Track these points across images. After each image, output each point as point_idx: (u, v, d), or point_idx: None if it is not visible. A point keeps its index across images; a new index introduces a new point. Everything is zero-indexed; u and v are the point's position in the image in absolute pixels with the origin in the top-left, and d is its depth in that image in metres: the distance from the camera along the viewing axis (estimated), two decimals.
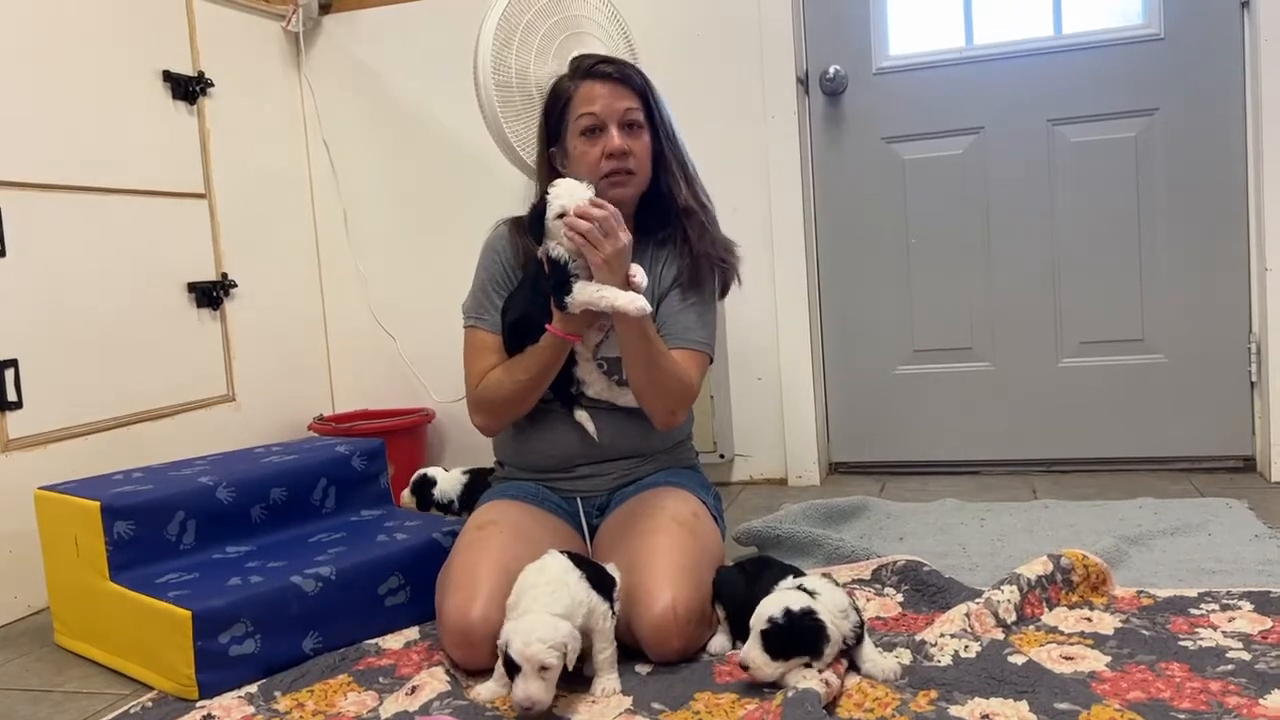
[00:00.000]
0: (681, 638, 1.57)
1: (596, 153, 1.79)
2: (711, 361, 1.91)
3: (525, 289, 1.82)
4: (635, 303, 1.65)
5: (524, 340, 1.79)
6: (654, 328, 1.76)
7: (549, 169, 1.88)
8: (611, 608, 1.53)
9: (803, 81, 2.84)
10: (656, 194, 1.88)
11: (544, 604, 1.44)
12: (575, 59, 1.89)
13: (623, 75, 1.82)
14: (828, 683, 1.40)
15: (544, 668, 1.38)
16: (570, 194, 1.69)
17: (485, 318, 1.87)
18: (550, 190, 1.71)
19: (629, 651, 1.58)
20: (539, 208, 1.72)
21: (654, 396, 1.79)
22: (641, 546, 1.65)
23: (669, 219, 1.88)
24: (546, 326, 1.74)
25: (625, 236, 1.67)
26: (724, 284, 1.95)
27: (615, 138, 1.79)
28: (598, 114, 1.79)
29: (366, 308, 3.09)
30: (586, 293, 1.68)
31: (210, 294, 2.69)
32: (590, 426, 1.84)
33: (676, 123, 1.91)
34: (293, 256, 3.08)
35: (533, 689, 1.37)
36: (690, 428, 2.01)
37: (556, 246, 1.70)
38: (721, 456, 2.86)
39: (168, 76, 2.60)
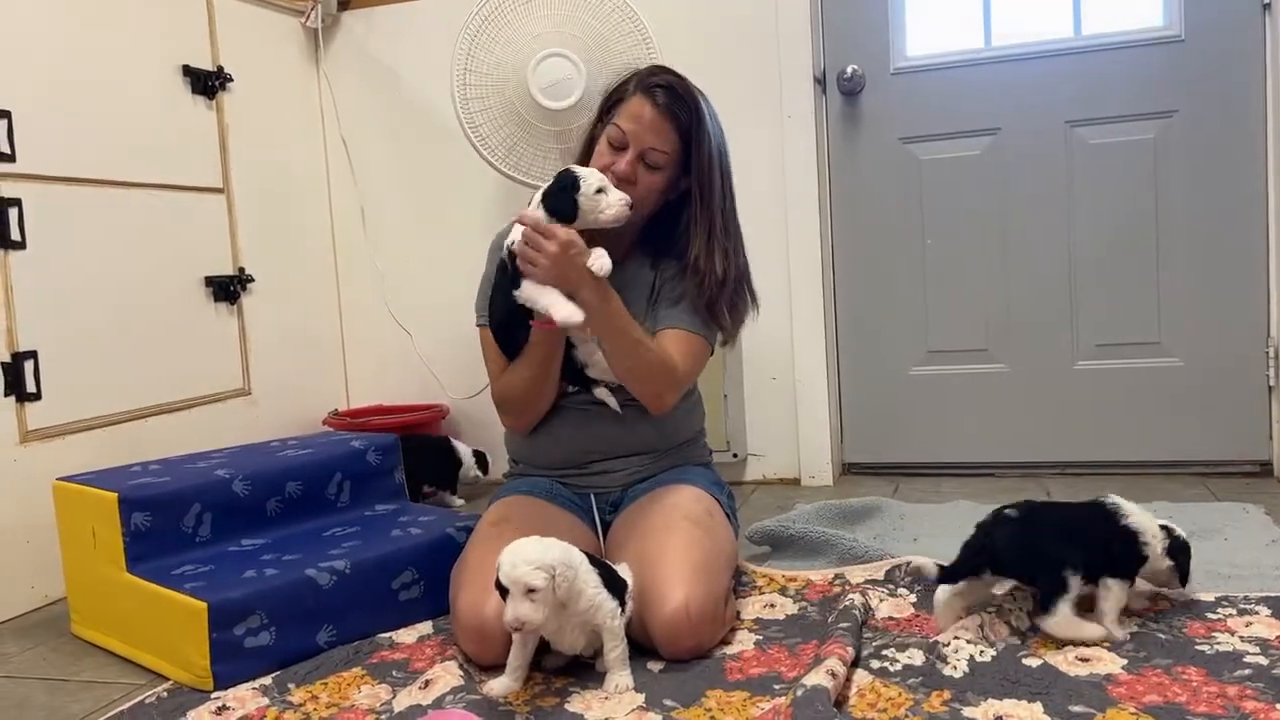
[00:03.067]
0: (694, 637, 1.57)
1: (605, 164, 1.78)
2: (712, 351, 1.88)
3: (499, 291, 1.77)
4: (566, 317, 1.61)
5: (514, 341, 1.77)
6: (627, 318, 1.73)
7: (590, 140, 1.87)
8: (622, 607, 1.53)
9: (820, 81, 2.83)
10: (673, 225, 1.85)
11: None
12: (649, 67, 1.86)
13: (670, 112, 1.77)
14: (833, 674, 1.39)
15: (531, 589, 1.39)
16: (601, 178, 1.67)
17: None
18: (580, 170, 1.68)
19: (642, 648, 1.59)
20: (567, 182, 1.66)
21: (635, 381, 1.78)
22: (654, 544, 1.65)
23: (676, 248, 1.85)
24: (531, 322, 1.72)
25: (551, 246, 1.62)
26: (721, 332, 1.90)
27: (624, 164, 1.76)
28: (625, 135, 1.77)
29: (383, 303, 3.10)
30: (528, 292, 1.65)
31: (227, 288, 2.71)
32: (612, 402, 1.82)
33: (727, 177, 1.83)
34: (310, 252, 3.10)
35: (521, 610, 1.39)
36: (702, 424, 2.01)
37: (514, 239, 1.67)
38: (735, 456, 2.86)
39: (187, 71, 2.62)
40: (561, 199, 1.66)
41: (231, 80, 2.73)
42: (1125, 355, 2.74)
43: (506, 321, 1.77)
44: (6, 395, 2.11)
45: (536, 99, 2.54)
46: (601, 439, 1.86)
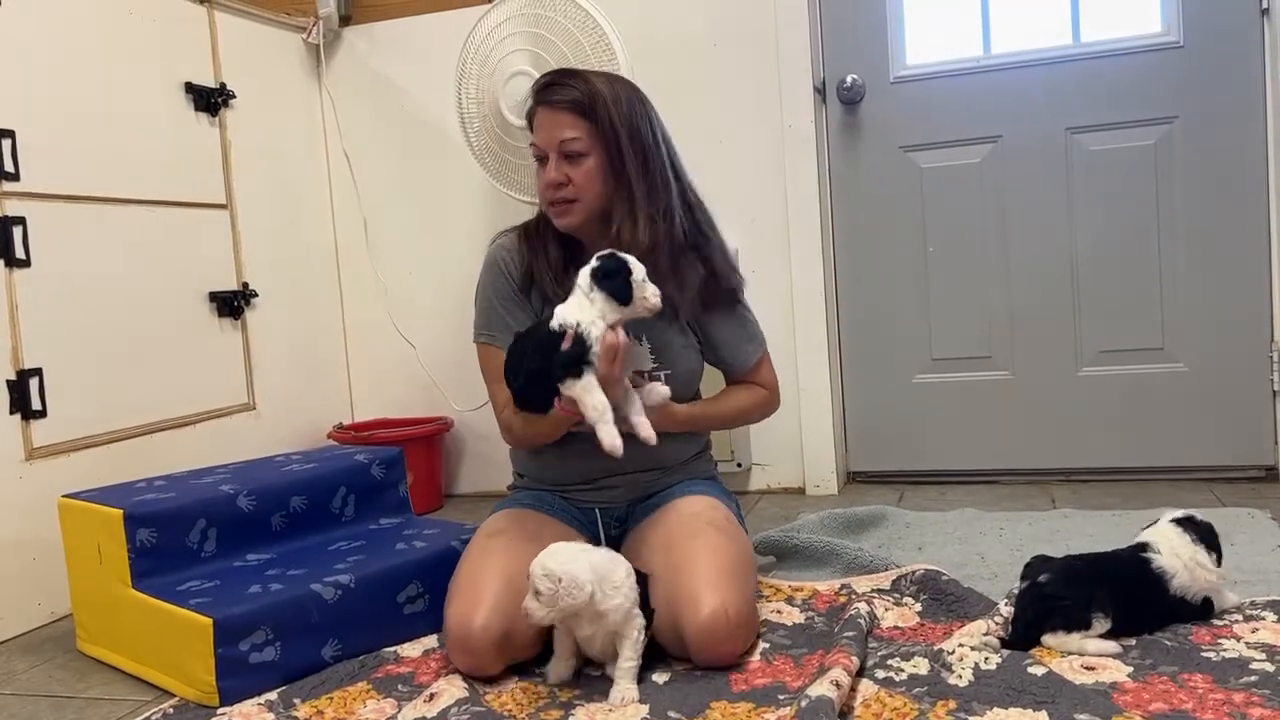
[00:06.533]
0: (732, 640, 1.57)
1: (543, 183, 1.77)
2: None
3: (530, 351, 1.64)
4: (611, 440, 1.57)
5: (532, 402, 1.68)
6: (682, 412, 1.81)
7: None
8: (648, 620, 1.54)
9: (820, 91, 2.84)
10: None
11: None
12: (537, 80, 1.84)
13: (565, 100, 1.73)
14: (838, 684, 1.39)
15: (537, 591, 1.47)
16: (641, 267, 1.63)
17: (497, 335, 1.81)
18: (626, 255, 1.62)
19: (649, 658, 1.58)
20: (621, 267, 1.60)
21: (741, 424, 2.02)
22: (682, 552, 1.64)
23: None
24: (555, 403, 1.63)
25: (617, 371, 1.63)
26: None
27: (550, 169, 1.74)
28: (540, 146, 1.76)
29: (386, 316, 3.11)
30: (590, 397, 1.58)
31: (231, 303, 2.72)
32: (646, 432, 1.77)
33: (638, 138, 1.75)
34: (313, 266, 3.10)
35: (529, 604, 1.49)
36: (708, 438, 2.00)
37: (587, 324, 1.59)
38: (739, 466, 2.86)
39: (190, 88, 2.63)
40: (619, 284, 1.60)
41: (234, 97, 2.75)
42: (1129, 361, 2.73)
43: (528, 385, 1.66)
44: (12, 413, 2.12)
45: (505, 116, 2.58)
46: (607, 458, 1.84)
